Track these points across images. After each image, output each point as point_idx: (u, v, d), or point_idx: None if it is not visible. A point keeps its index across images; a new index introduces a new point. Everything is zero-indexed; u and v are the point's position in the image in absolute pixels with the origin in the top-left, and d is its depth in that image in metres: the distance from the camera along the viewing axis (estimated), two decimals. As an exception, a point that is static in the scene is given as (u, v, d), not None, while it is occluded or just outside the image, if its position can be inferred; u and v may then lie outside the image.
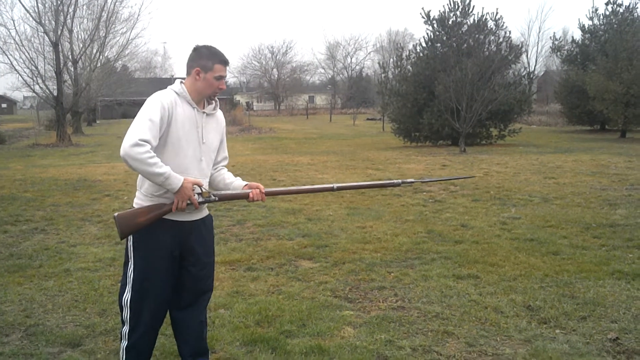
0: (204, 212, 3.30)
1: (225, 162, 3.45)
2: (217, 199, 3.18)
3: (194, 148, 3.13)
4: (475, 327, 4.19)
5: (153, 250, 3.12)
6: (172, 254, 3.16)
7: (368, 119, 44.71)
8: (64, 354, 3.82)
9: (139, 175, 3.07)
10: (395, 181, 3.50)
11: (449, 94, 18.96)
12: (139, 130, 2.88)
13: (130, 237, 3.12)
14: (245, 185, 3.30)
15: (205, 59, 3.12)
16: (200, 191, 3.14)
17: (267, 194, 3.31)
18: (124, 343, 3.15)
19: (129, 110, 53.76)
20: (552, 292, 4.90)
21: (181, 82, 3.19)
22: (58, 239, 7.05)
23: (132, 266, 3.12)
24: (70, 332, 4.15)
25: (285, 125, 39.28)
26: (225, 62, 3.17)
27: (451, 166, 14.31)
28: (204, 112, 3.17)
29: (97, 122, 46.38)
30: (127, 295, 3.11)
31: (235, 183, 3.34)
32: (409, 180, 3.42)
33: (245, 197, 3.22)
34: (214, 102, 3.26)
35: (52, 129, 29.17)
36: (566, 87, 29.33)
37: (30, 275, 5.55)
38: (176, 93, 3.11)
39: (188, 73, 3.17)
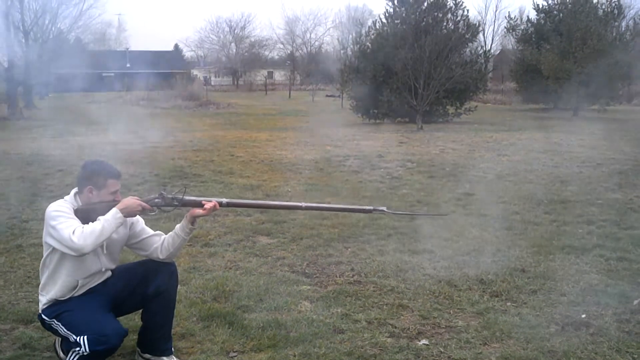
0: (107, 274, 3.33)
1: (159, 237, 3.40)
2: (179, 204, 3.26)
3: (96, 255, 3.18)
4: (429, 301, 4.28)
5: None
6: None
7: (327, 96, 44.48)
8: (17, 330, 3.77)
9: (43, 279, 3.20)
10: (366, 207, 3.50)
11: (407, 71, 19.04)
12: (65, 227, 2.94)
13: (48, 318, 3.16)
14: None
15: (96, 176, 3.17)
16: (162, 196, 3.23)
17: (231, 205, 3.39)
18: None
19: (82, 83, 52.31)
20: (504, 266, 5.03)
21: (75, 194, 3.21)
22: (9, 215, 6.89)
23: (62, 322, 3.10)
24: (23, 309, 4.09)
25: (243, 100, 38.89)
26: (117, 176, 3.23)
27: (408, 143, 14.45)
28: None
29: (50, 95, 44.98)
30: (81, 338, 2.96)
31: (178, 227, 3.34)
32: (380, 208, 3.40)
33: (201, 205, 3.25)
34: None
35: (3, 102, 28.21)
36: (521, 66, 29.70)
37: (-20, 252, 5.42)
38: (73, 207, 3.13)
39: (80, 191, 3.19)
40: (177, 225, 3.34)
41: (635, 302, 4.18)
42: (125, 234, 3.32)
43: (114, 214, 3.03)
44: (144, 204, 3.16)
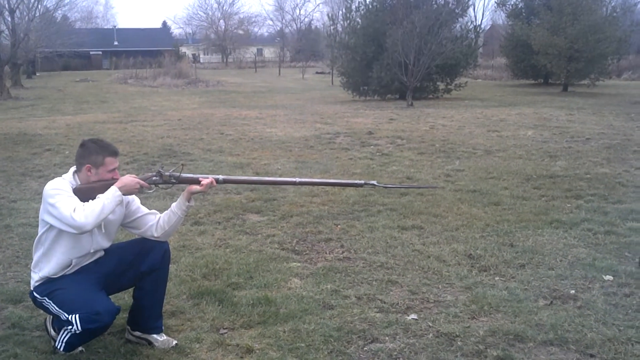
0: (100, 254, 3.32)
1: (154, 216, 3.38)
2: (176, 182, 3.27)
3: (91, 234, 3.16)
4: (419, 276, 4.31)
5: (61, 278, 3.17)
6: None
7: (317, 73, 44.34)
8: (6, 310, 3.76)
9: (36, 256, 3.17)
10: (357, 182, 3.52)
11: (397, 47, 18.95)
12: (65, 205, 2.93)
13: (39, 296, 3.15)
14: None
15: (95, 154, 3.14)
16: (160, 173, 3.23)
17: (227, 181, 3.39)
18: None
19: (69, 62, 51.73)
20: (493, 241, 5.06)
21: (74, 172, 3.18)
22: (-3, 195, 6.85)
23: (54, 300, 3.09)
24: (12, 289, 4.08)
25: (233, 78, 38.61)
26: (115, 153, 3.21)
27: (398, 120, 14.42)
28: None
29: (37, 74, 44.48)
30: (73, 316, 2.98)
31: (174, 205, 3.33)
32: (371, 182, 3.41)
33: (198, 182, 3.26)
34: None
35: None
36: (511, 42, 29.62)
37: (-32, 232, 5.39)
38: (72, 186, 3.11)
39: (78, 169, 3.17)
40: (174, 204, 3.33)
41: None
42: (121, 213, 3.30)
43: (113, 192, 3.02)
44: (142, 182, 3.15)
